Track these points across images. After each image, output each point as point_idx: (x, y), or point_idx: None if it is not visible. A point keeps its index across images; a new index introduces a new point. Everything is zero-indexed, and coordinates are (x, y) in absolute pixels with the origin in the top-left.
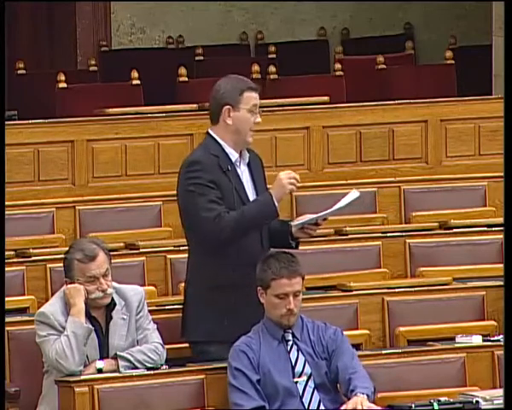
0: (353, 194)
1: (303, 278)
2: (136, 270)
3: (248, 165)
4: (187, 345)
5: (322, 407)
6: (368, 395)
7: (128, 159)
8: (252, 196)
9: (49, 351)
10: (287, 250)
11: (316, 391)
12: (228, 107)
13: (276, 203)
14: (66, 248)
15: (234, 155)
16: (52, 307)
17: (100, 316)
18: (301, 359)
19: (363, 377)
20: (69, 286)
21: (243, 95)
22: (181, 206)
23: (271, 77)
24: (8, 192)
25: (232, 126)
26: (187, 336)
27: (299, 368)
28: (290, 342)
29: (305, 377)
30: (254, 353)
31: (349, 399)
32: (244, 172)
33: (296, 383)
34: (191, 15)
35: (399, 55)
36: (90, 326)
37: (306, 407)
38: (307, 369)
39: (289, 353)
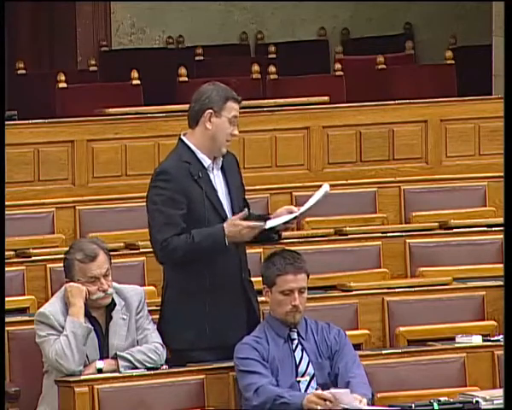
0: (325, 187)
1: (308, 276)
2: (136, 270)
3: (222, 168)
4: None
5: None
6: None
7: (128, 159)
8: (225, 200)
9: (49, 351)
10: (289, 249)
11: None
12: (210, 111)
13: (227, 241)
14: (67, 249)
15: (206, 161)
16: (52, 307)
17: (100, 316)
18: (305, 359)
19: (363, 382)
20: (70, 284)
21: (227, 103)
22: (147, 210)
23: (271, 77)
24: (8, 192)
25: (210, 132)
26: (167, 342)
27: (302, 368)
28: (295, 341)
29: (307, 378)
30: (264, 349)
31: None
32: (217, 177)
33: (299, 382)
34: (191, 15)
35: (399, 55)
36: (90, 326)
37: None
38: (310, 369)
39: (294, 352)
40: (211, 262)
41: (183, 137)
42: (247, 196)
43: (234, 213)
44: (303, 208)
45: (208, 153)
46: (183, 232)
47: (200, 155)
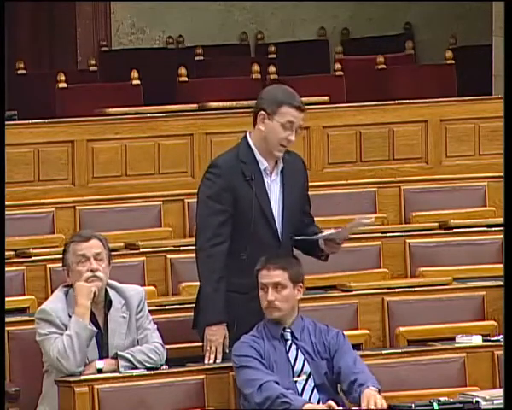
0: (366, 220)
1: (290, 274)
2: (136, 270)
3: (282, 173)
4: (187, 345)
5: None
6: (379, 390)
7: (128, 159)
8: (277, 206)
9: (50, 350)
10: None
11: (315, 390)
12: (263, 113)
13: (206, 327)
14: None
15: (263, 164)
16: (53, 304)
17: (98, 315)
18: (300, 357)
19: (370, 376)
20: (80, 284)
21: (281, 108)
22: (197, 201)
23: (271, 77)
24: (8, 192)
25: (263, 133)
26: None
27: (298, 367)
28: (289, 342)
29: (304, 377)
30: (261, 348)
31: (359, 394)
32: (274, 182)
33: (296, 382)
34: (191, 15)
35: (399, 55)
36: (94, 329)
37: None
38: (306, 368)
39: (288, 352)
40: (250, 262)
41: (247, 135)
42: None
43: (283, 223)
44: (336, 231)
45: (265, 154)
46: (224, 234)
47: (259, 157)
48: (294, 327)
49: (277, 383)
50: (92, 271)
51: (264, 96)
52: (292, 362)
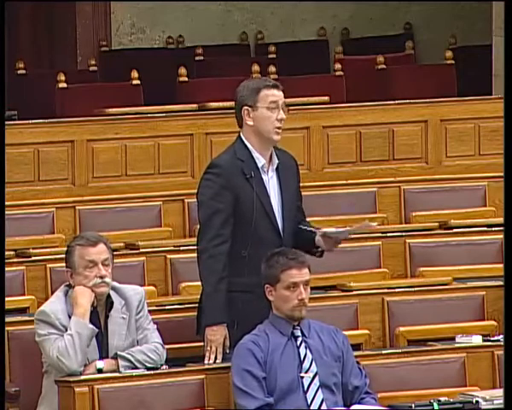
0: (368, 224)
1: (310, 271)
2: (136, 270)
3: (277, 170)
4: (187, 345)
5: (324, 406)
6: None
7: (128, 159)
8: (276, 203)
9: (50, 350)
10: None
11: (320, 390)
12: (246, 108)
13: (200, 329)
14: (66, 249)
15: (261, 161)
16: (53, 306)
17: (100, 315)
18: (309, 357)
19: (373, 396)
20: (77, 288)
21: (260, 93)
22: (197, 201)
23: (271, 77)
24: (8, 192)
25: (254, 127)
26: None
27: (306, 365)
28: (299, 339)
29: (311, 374)
30: (262, 350)
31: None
32: (271, 179)
33: (302, 378)
34: (191, 15)
35: (399, 55)
36: (95, 328)
37: (309, 403)
38: (313, 367)
39: (299, 348)
40: (252, 261)
41: (241, 134)
42: None
43: (284, 220)
44: (340, 230)
45: (261, 149)
46: (225, 234)
47: (256, 154)
48: (303, 325)
49: (270, 405)
50: (101, 277)
51: (240, 93)
52: (301, 359)
